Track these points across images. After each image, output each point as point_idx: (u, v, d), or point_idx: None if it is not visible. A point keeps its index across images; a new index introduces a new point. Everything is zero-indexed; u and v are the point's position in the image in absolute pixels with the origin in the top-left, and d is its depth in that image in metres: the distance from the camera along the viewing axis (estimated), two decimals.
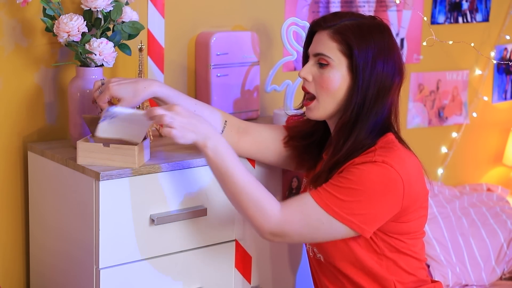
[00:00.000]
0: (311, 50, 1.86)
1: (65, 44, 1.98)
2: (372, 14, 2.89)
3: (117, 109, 1.81)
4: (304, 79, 1.86)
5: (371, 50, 1.78)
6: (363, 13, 1.90)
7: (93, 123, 1.85)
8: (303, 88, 1.88)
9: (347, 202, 1.73)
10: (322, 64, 1.82)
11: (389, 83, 1.81)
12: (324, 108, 1.84)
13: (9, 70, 2.10)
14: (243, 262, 2.10)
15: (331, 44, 1.81)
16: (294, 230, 1.76)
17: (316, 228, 1.76)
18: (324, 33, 1.83)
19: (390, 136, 1.83)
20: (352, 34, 1.79)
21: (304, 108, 1.94)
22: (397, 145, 1.81)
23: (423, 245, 1.94)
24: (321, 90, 1.83)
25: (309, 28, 1.90)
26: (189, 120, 1.75)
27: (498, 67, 3.41)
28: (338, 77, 1.80)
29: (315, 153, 1.98)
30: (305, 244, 2.01)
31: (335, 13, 1.88)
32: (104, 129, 1.82)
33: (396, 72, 1.82)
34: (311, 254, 1.97)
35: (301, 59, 1.99)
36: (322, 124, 1.95)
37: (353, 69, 1.79)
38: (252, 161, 2.06)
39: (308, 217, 1.75)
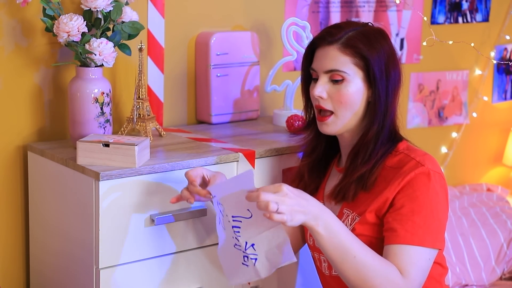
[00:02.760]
0: (320, 67, 1.81)
1: (65, 44, 1.98)
2: (372, 14, 2.90)
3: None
4: (320, 98, 1.81)
5: (383, 58, 1.78)
6: (358, 18, 1.91)
7: None
8: (318, 106, 1.83)
9: (431, 227, 1.73)
10: (337, 80, 1.79)
11: (398, 87, 1.83)
12: (343, 122, 1.82)
13: (9, 70, 2.10)
14: None
15: (343, 58, 1.78)
16: (416, 286, 1.72)
17: (428, 268, 1.75)
18: (333, 48, 1.79)
19: (406, 143, 1.86)
20: (363, 45, 1.77)
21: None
22: (418, 149, 1.85)
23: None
24: (339, 106, 1.80)
25: (310, 44, 1.86)
26: (297, 201, 1.62)
27: (498, 67, 3.41)
28: (356, 90, 1.79)
29: (318, 170, 1.95)
30: (317, 261, 1.94)
31: (335, 25, 1.85)
32: (263, 267, 1.71)
33: (401, 75, 1.84)
34: (326, 272, 1.91)
35: (300, 61, 1.95)
36: (323, 139, 1.93)
37: (370, 80, 1.78)
38: (252, 161, 2.06)
39: (422, 265, 1.72)
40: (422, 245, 1.72)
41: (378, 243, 1.78)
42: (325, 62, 1.80)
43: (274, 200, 1.60)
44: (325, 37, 1.81)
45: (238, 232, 1.70)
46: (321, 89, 1.81)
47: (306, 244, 2.01)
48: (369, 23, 1.86)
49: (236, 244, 1.73)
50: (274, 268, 1.72)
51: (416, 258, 1.71)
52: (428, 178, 1.75)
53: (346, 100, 1.79)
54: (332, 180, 1.92)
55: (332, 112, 1.82)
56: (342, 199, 1.84)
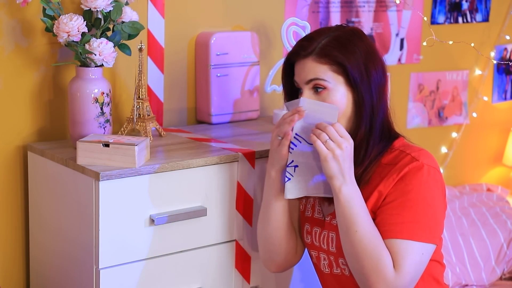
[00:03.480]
0: (301, 80, 1.81)
1: (65, 44, 1.98)
2: (372, 14, 2.90)
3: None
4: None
5: (360, 58, 1.77)
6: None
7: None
8: None
9: (422, 221, 1.73)
10: (319, 88, 1.79)
11: (383, 84, 1.82)
12: None
13: (9, 70, 2.10)
14: (243, 262, 2.10)
15: (321, 67, 1.78)
16: (408, 280, 1.73)
17: (422, 263, 1.75)
18: (308, 60, 1.79)
19: (402, 140, 1.86)
20: (337, 51, 1.77)
21: None
22: (414, 146, 1.85)
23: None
24: None
25: (286, 60, 1.86)
26: (344, 158, 1.71)
27: (498, 67, 3.41)
28: (340, 96, 1.78)
29: None
30: (315, 258, 1.95)
31: (307, 38, 1.83)
32: (290, 191, 1.81)
33: (384, 70, 1.83)
34: (326, 270, 1.91)
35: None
36: None
37: (352, 84, 1.78)
38: (252, 161, 2.06)
39: (414, 259, 1.73)
40: (412, 238, 1.72)
41: None
42: (304, 74, 1.80)
43: (335, 138, 1.70)
44: (299, 51, 1.81)
45: (292, 149, 1.78)
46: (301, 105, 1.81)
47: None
48: (343, 25, 1.86)
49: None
50: (300, 195, 1.81)
51: (406, 252, 1.72)
52: (421, 172, 1.76)
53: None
54: None
55: None
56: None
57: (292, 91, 1.89)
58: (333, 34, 1.80)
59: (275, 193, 1.87)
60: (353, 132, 1.81)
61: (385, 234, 1.74)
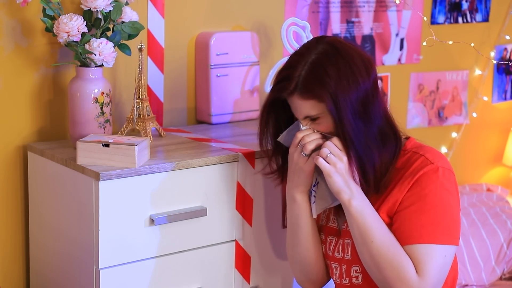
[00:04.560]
0: (297, 116, 1.82)
1: (65, 44, 1.98)
2: (372, 14, 2.90)
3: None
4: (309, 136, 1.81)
5: (332, 79, 1.74)
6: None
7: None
8: None
9: (442, 223, 1.73)
10: (315, 119, 1.79)
11: (362, 95, 1.76)
12: None
13: (9, 70, 2.10)
14: (243, 262, 2.10)
15: (307, 103, 1.76)
16: (433, 284, 1.73)
17: (446, 265, 1.75)
18: (295, 98, 1.78)
19: (413, 140, 1.86)
20: (315, 85, 1.75)
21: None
22: (425, 146, 1.84)
23: None
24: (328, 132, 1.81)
25: (274, 98, 1.83)
26: (346, 171, 1.74)
27: (498, 67, 3.41)
28: (330, 120, 1.77)
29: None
30: (327, 267, 1.94)
31: (286, 68, 1.80)
32: (315, 208, 1.84)
33: (362, 75, 1.77)
34: (337, 280, 1.90)
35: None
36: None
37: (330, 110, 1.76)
38: (252, 161, 2.06)
39: (437, 262, 1.72)
40: (434, 242, 1.72)
41: None
42: (297, 111, 1.80)
43: (336, 152, 1.74)
44: (283, 89, 1.79)
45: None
46: (307, 128, 1.81)
47: None
48: (321, 38, 1.83)
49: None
50: (323, 208, 1.84)
51: (429, 256, 1.71)
52: (436, 175, 1.75)
53: (331, 130, 1.79)
54: None
55: None
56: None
57: (277, 127, 1.88)
58: (309, 60, 1.77)
59: (304, 216, 1.87)
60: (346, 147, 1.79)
61: (406, 240, 1.73)
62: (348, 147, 1.75)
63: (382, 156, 1.79)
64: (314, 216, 1.84)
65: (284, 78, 1.80)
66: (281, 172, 1.94)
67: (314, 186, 1.84)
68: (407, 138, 1.86)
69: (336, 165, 1.73)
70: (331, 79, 1.74)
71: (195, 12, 2.43)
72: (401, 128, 1.87)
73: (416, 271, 1.71)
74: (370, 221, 1.73)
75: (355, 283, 1.85)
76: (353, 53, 1.79)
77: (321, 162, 1.74)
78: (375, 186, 1.79)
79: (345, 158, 1.74)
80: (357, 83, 1.76)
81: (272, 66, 2.47)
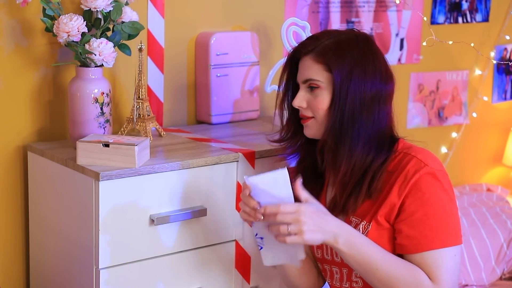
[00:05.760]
0: (299, 78, 1.83)
1: (65, 44, 1.98)
2: (372, 14, 2.90)
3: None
4: (300, 108, 1.83)
5: (348, 64, 1.76)
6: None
7: None
8: (301, 115, 1.85)
9: (448, 225, 1.73)
10: (313, 87, 1.80)
11: (374, 91, 1.78)
12: (323, 126, 1.81)
13: (9, 70, 2.10)
14: (243, 262, 2.10)
15: (316, 66, 1.79)
16: (451, 284, 1.73)
17: (457, 265, 1.75)
18: (307, 58, 1.81)
19: (403, 141, 1.84)
20: (332, 53, 1.77)
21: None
22: (415, 146, 1.83)
23: None
24: (316, 112, 1.80)
25: (290, 56, 1.87)
26: (314, 221, 1.65)
27: (498, 67, 3.41)
28: (327, 95, 1.79)
29: (315, 178, 1.92)
30: (328, 272, 1.92)
31: (312, 37, 1.85)
32: (266, 257, 1.76)
33: (381, 78, 1.79)
34: (337, 283, 1.89)
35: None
36: (313, 146, 1.89)
37: (333, 86, 1.77)
38: (252, 161, 2.06)
39: (450, 265, 1.72)
40: (445, 246, 1.72)
41: (393, 247, 1.78)
42: (302, 72, 1.82)
43: (290, 220, 1.63)
44: (301, 49, 1.83)
45: (261, 248, 1.75)
46: (300, 99, 1.83)
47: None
48: (354, 29, 1.86)
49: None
50: (277, 262, 1.77)
51: (442, 260, 1.71)
52: (435, 178, 1.74)
53: (320, 105, 1.79)
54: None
55: (313, 117, 1.83)
56: (342, 211, 1.81)
57: (294, 87, 1.89)
58: (337, 38, 1.81)
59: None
60: (328, 128, 1.78)
61: (416, 248, 1.72)
62: (342, 132, 1.74)
63: (375, 157, 1.78)
64: (264, 264, 1.76)
65: (308, 39, 1.84)
66: (290, 143, 1.93)
67: (256, 237, 1.74)
68: (397, 140, 1.84)
69: (301, 229, 1.64)
70: (352, 59, 1.77)
71: (195, 12, 2.43)
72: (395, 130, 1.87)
73: (430, 278, 1.71)
74: (366, 251, 1.70)
75: (356, 287, 1.85)
76: (381, 57, 1.83)
77: (292, 239, 1.65)
78: (341, 182, 1.77)
79: (301, 216, 1.63)
80: (374, 78, 1.78)
81: (272, 66, 2.47)
